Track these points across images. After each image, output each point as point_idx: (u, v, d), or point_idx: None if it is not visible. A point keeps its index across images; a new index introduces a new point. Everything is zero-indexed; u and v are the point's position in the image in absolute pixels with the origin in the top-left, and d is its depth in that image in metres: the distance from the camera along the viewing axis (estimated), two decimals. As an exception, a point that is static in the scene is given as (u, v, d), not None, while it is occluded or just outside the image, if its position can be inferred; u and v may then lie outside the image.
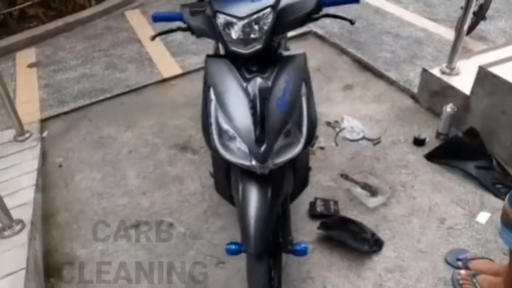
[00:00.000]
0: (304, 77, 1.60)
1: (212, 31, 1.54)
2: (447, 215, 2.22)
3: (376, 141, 2.74)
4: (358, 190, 2.35)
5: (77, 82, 3.59)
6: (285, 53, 1.63)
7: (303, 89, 1.57)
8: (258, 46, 1.49)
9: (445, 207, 2.26)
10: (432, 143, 2.68)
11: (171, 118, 3.05)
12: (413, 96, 3.09)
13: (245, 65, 1.55)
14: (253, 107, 1.44)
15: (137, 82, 3.49)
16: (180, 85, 3.43)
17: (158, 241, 2.17)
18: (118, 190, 2.49)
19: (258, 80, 1.48)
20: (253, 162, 1.43)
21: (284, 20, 1.54)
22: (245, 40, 1.53)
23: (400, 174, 2.48)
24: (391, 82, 3.28)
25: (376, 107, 3.05)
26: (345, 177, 2.37)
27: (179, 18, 1.65)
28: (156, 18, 1.70)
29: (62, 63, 3.92)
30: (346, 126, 2.85)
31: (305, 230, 2.15)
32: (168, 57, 3.79)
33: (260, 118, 1.43)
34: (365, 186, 2.34)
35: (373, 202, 2.29)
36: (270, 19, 1.49)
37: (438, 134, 2.71)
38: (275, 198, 1.50)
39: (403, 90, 3.18)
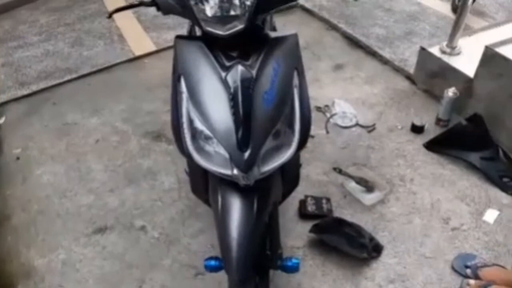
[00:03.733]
0: (296, 64, 1.32)
1: (182, 7, 1.23)
2: (451, 213, 2.00)
3: (370, 128, 2.49)
4: (352, 185, 2.12)
5: (40, 61, 3.22)
6: (273, 34, 1.34)
7: (295, 79, 1.30)
8: (239, 26, 1.20)
9: (449, 204, 2.04)
10: (431, 130, 2.45)
11: (143, 102, 2.74)
12: (409, 77, 2.84)
13: (223, 49, 1.27)
14: (234, 102, 1.17)
15: (106, 60, 3.14)
16: (154, 64, 3.11)
17: (128, 247, 1.90)
18: (82, 186, 2.20)
19: (240, 69, 1.20)
20: (235, 171, 1.16)
21: None
22: (223, 18, 1.24)
23: (398, 166, 2.25)
24: (384, 61, 3.01)
25: (369, 89, 2.80)
26: (338, 170, 2.13)
27: (144, -11, 1.34)
28: None
29: (22, 38, 3.53)
30: (338, 111, 2.59)
31: (294, 233, 1.92)
32: (140, 33, 3.43)
33: (243, 116, 1.16)
34: (361, 181, 2.10)
35: (369, 199, 2.06)
36: None
37: (438, 121, 2.47)
38: (261, 212, 1.25)
39: (398, 70, 2.92)
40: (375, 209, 2.03)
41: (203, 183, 1.46)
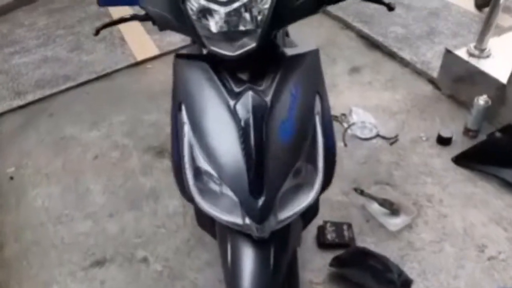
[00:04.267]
0: (318, 87, 1.12)
1: (181, 22, 1.04)
2: (487, 239, 1.79)
3: (392, 140, 2.28)
4: (375, 208, 1.91)
5: (37, 67, 3.04)
6: (289, 51, 1.14)
7: (317, 105, 1.10)
8: (251, 45, 1.00)
9: (484, 228, 1.84)
10: (459, 141, 2.23)
11: (145, 112, 2.55)
12: (432, 81, 2.62)
13: (232, 72, 1.07)
14: (244, 137, 0.97)
15: (106, 66, 2.95)
16: (157, 69, 2.91)
17: (129, 283, 1.72)
18: (80, 211, 2.02)
19: (252, 95, 1.00)
20: (247, 221, 0.97)
21: (288, 4, 1.04)
22: (231, 35, 1.04)
23: (424, 184, 2.04)
24: (405, 64, 2.79)
25: (389, 95, 2.58)
26: (360, 192, 1.92)
27: (135, 0, 1.15)
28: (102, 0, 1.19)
29: (20, 43, 3.35)
30: (356, 120, 2.38)
31: (313, 266, 1.72)
32: (143, 35, 3.23)
33: (255, 153, 0.96)
34: (385, 203, 1.90)
35: (395, 224, 1.85)
36: (267, 2, 1.00)
37: (466, 131, 2.25)
38: (279, 264, 1.06)
39: (419, 73, 2.70)
40: (402, 235, 1.82)
41: (210, 217, 1.27)
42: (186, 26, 1.02)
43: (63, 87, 2.82)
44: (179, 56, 1.15)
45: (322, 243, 1.78)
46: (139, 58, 2.99)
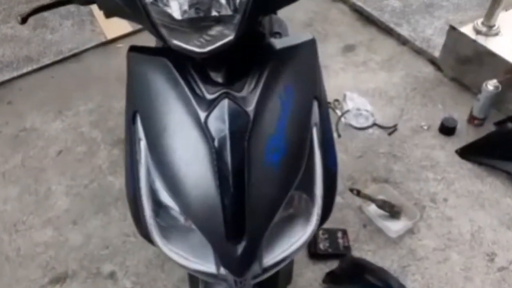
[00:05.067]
0: (316, 89, 0.88)
1: (132, 6, 0.77)
2: (496, 246, 1.61)
3: (391, 130, 2.06)
4: (373, 210, 1.71)
5: (-5, 48, 2.73)
6: (279, 42, 0.88)
7: (315, 113, 0.86)
8: (227, 38, 0.74)
9: (493, 233, 1.65)
10: (464, 131, 2.02)
11: (115, 98, 2.26)
12: (433, 61, 2.38)
13: (203, 72, 0.82)
14: (219, 161, 0.73)
15: (74, 46, 2.64)
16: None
17: (93, 304, 1.51)
18: (39, 216, 1.78)
19: (229, 104, 0.76)
20: (222, 271, 0.75)
21: None
22: (200, 23, 0.79)
23: (427, 180, 1.84)
24: (403, 41, 2.54)
25: (386, 77, 2.34)
26: (356, 192, 1.71)
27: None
28: None
29: (-24, 19, 3.01)
30: (351, 107, 2.14)
31: (304, 281, 1.52)
32: (114, 10, 2.92)
33: (234, 184, 0.73)
34: (384, 205, 1.69)
35: (395, 229, 1.65)
36: None
37: (472, 119, 2.04)
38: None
39: (419, 52, 2.45)
40: (403, 242, 1.63)
41: None
42: (137, 12, 0.76)
43: (24, 70, 2.51)
44: (134, 49, 0.89)
45: (314, 254, 1.57)
46: (110, 36, 2.69)
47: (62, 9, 2.99)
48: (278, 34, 1.25)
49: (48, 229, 1.73)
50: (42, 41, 2.73)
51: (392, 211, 1.68)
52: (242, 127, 0.75)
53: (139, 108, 0.83)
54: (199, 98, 0.78)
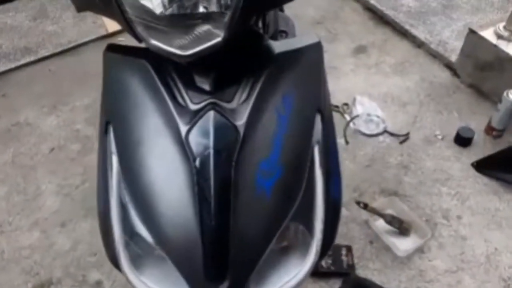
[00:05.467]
0: (319, 101, 0.76)
1: (104, 1, 0.66)
2: (514, 270, 1.49)
3: (402, 138, 1.93)
4: (381, 225, 1.59)
5: (-6, 37, 2.64)
6: (278, 45, 0.77)
7: (317, 130, 0.75)
8: (215, 40, 0.63)
9: (510, 256, 1.52)
10: (481, 142, 1.90)
11: (115, 95, 2.18)
12: (449, 66, 2.25)
13: (187, 77, 0.71)
14: (200, 186, 0.62)
15: (73, 38, 2.55)
16: (129, 43, 2.50)
17: (77, 316, 1.42)
18: (27, 217, 1.68)
19: (215, 117, 0.65)
20: None
21: None
22: (184, 21, 0.68)
23: (439, 195, 1.71)
24: (418, 44, 2.40)
25: (400, 81, 2.21)
26: (364, 205, 1.59)
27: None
28: None
29: (-25, 7, 2.93)
30: (360, 112, 2.02)
31: (302, 301, 1.41)
32: (118, 1, 2.81)
33: (216, 215, 0.62)
34: (393, 221, 1.57)
35: (404, 247, 1.53)
36: None
37: (490, 129, 1.91)
38: None
39: (435, 56, 2.32)
40: (412, 262, 1.51)
41: None
42: (111, 7, 0.65)
43: (22, 61, 2.43)
44: (112, 48, 0.78)
45: (316, 272, 1.46)
46: (111, 29, 2.59)
47: (64, 0, 2.90)
48: (284, 33, 1.14)
49: (34, 231, 1.64)
50: (42, 32, 2.64)
51: (401, 227, 1.56)
52: (229, 144, 0.64)
53: (112, 118, 0.72)
54: (181, 108, 0.67)
